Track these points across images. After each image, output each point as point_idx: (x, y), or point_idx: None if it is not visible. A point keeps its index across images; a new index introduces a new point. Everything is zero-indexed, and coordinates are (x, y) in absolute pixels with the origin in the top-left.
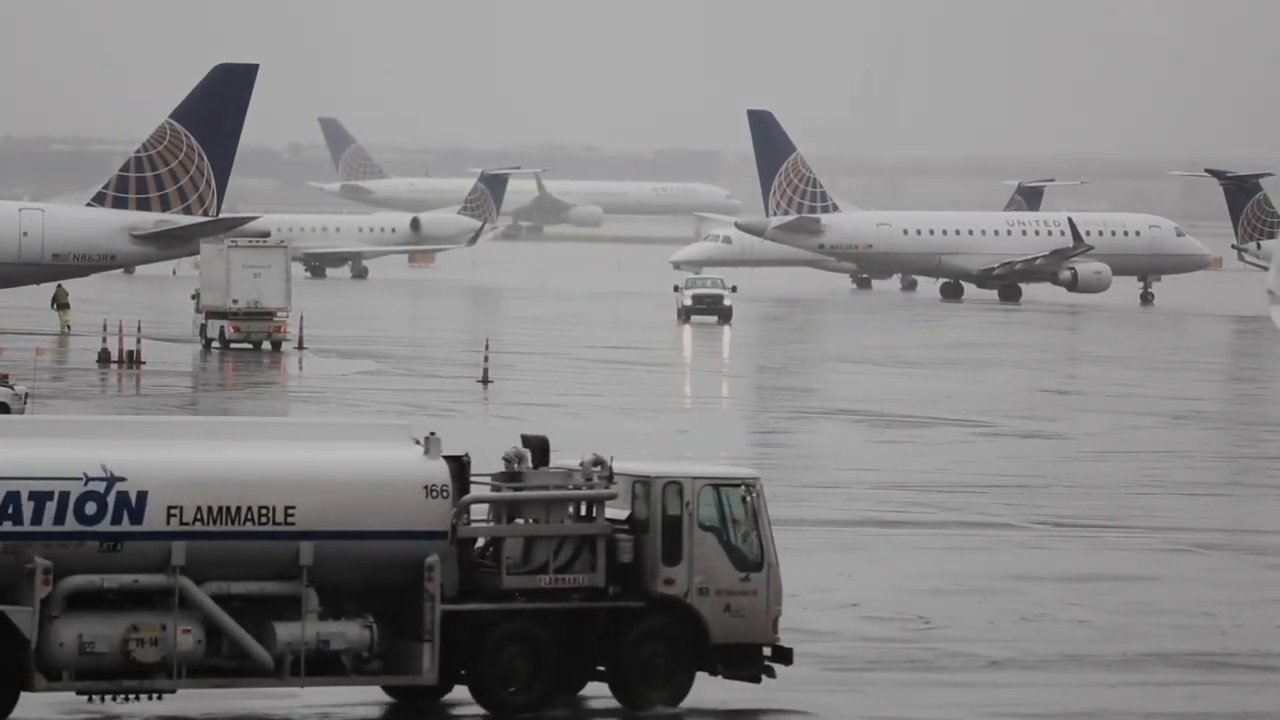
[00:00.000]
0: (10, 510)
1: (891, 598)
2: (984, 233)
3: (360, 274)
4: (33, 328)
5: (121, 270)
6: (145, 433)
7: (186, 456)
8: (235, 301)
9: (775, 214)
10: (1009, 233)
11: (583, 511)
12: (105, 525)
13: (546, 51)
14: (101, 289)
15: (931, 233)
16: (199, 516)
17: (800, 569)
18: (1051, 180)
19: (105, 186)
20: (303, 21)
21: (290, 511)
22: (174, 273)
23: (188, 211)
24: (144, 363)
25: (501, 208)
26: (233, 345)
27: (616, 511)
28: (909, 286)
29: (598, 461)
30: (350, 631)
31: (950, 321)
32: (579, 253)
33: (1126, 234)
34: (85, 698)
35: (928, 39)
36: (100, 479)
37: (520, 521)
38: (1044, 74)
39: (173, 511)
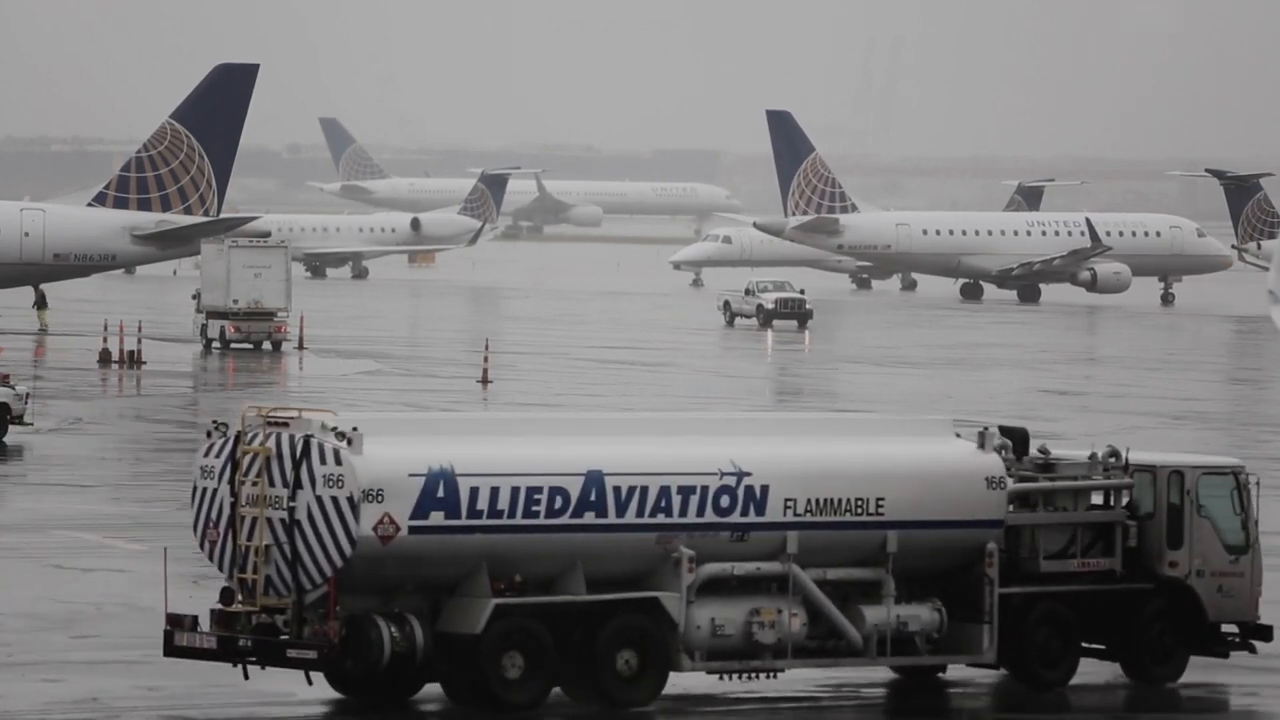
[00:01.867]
0: (663, 504)
1: None
2: (1003, 233)
3: (360, 274)
4: (32, 328)
5: (122, 270)
6: (757, 430)
7: (794, 452)
8: (235, 301)
9: (794, 214)
10: (1028, 233)
11: (1095, 500)
12: (736, 517)
13: (546, 52)
14: (102, 289)
15: (950, 233)
16: (809, 508)
17: None
18: (1051, 180)
19: (106, 187)
20: (303, 22)
21: (880, 503)
22: (174, 273)
23: (188, 212)
24: (144, 363)
25: (501, 208)
26: (233, 345)
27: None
28: (909, 287)
29: (1113, 453)
30: (923, 614)
31: (951, 321)
32: (579, 253)
33: (1147, 234)
34: (716, 677)
35: (927, 39)
36: (731, 474)
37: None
38: (1043, 74)
39: (788, 503)
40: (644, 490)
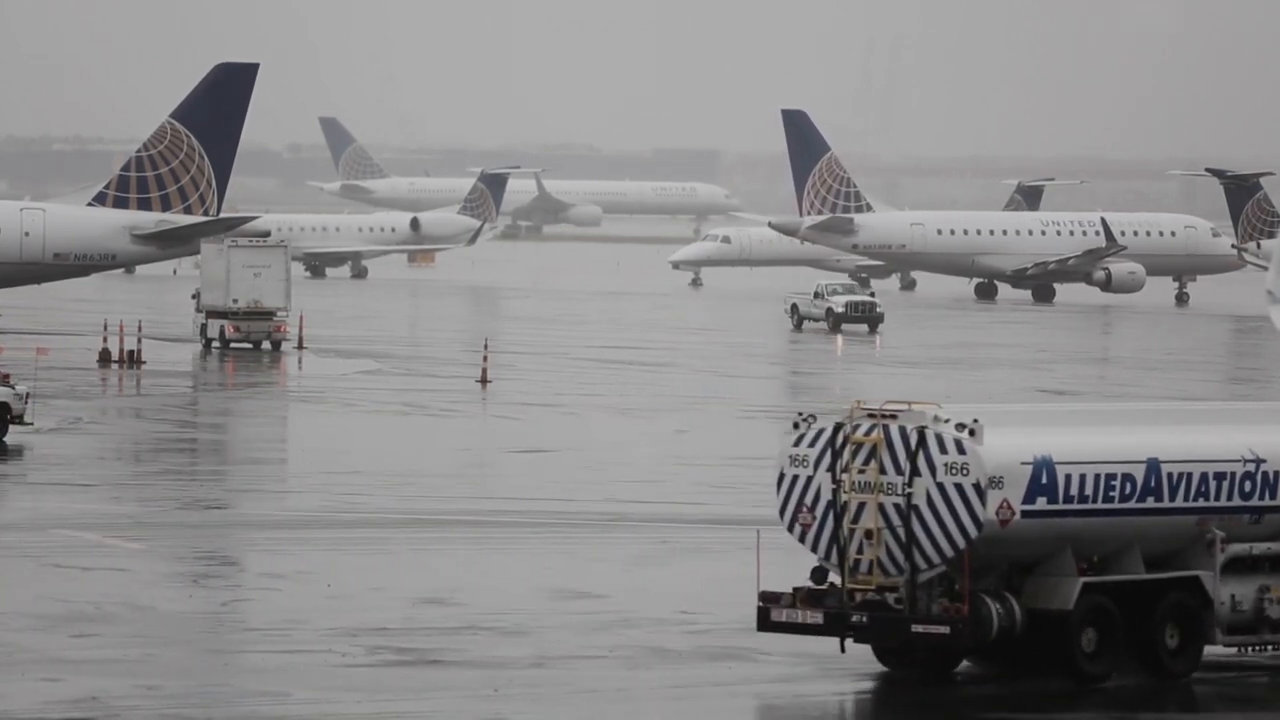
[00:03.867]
0: (1203, 489)
1: None
2: (1018, 233)
3: (360, 274)
4: (32, 328)
5: (122, 270)
6: (1265, 419)
7: None
8: (235, 301)
9: (808, 214)
10: (1043, 233)
11: None
12: (1255, 500)
13: (546, 51)
14: (102, 289)
15: (965, 233)
16: None
17: (798, 568)
18: (1052, 179)
19: (106, 186)
20: (303, 21)
21: None
22: (174, 272)
23: (188, 211)
24: (144, 362)
25: (501, 207)
26: (233, 345)
27: None
28: (908, 286)
29: None
30: None
31: (952, 321)
32: (578, 252)
33: (1162, 234)
34: (1236, 650)
35: (927, 39)
36: (1251, 461)
37: None
38: (1043, 73)
39: None
40: (1189, 476)
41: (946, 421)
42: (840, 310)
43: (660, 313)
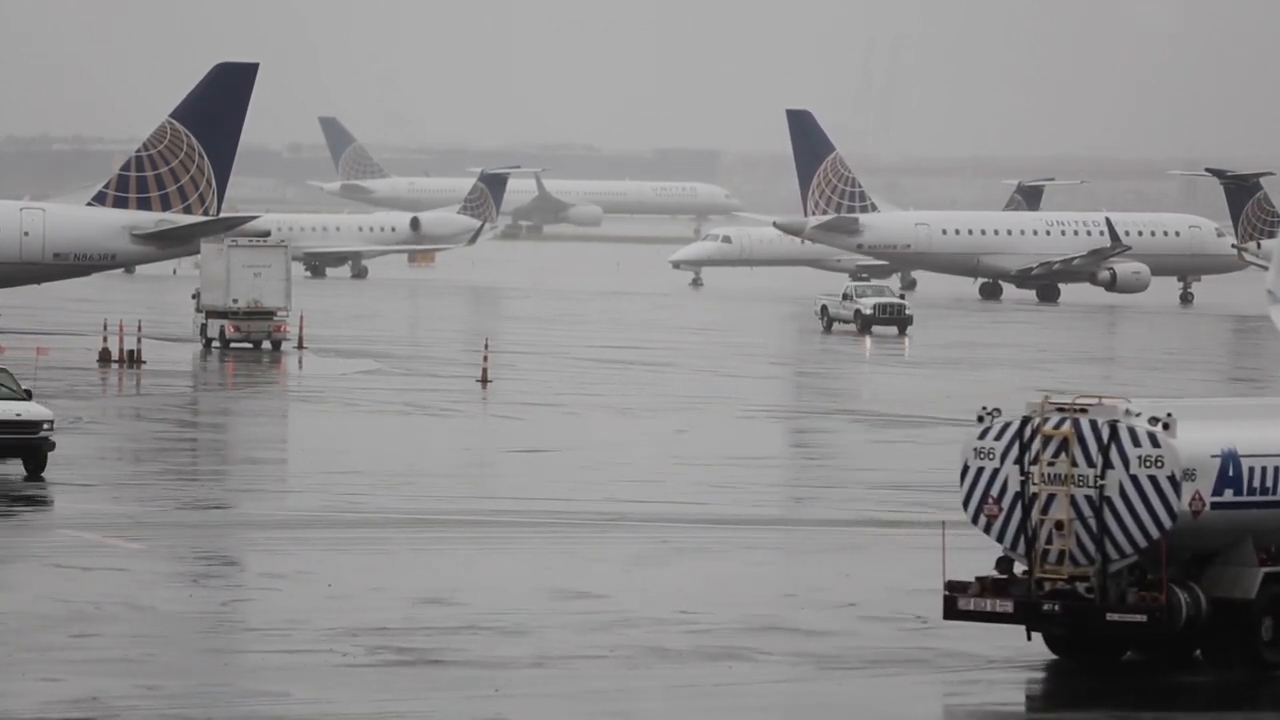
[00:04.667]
0: None
1: (889, 598)
2: (1022, 233)
3: (360, 274)
4: (32, 327)
5: (122, 270)
6: None
7: None
8: (235, 301)
9: (813, 214)
10: (1048, 233)
11: None
12: None
13: (546, 51)
14: (102, 289)
15: (970, 233)
16: None
17: (798, 568)
18: (1052, 179)
19: (106, 186)
20: (303, 21)
21: None
22: (174, 272)
23: (188, 211)
24: (144, 362)
25: (501, 207)
26: (233, 345)
27: None
28: (908, 286)
29: None
30: None
31: (954, 321)
32: (579, 252)
33: (1166, 234)
34: None
35: (927, 39)
36: None
37: None
38: (1043, 73)
39: None
40: None
41: (1138, 415)
42: (869, 312)
43: (660, 313)
